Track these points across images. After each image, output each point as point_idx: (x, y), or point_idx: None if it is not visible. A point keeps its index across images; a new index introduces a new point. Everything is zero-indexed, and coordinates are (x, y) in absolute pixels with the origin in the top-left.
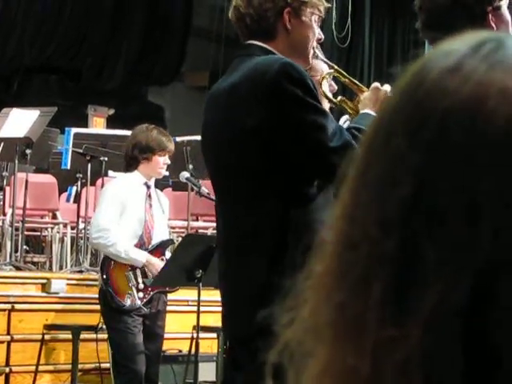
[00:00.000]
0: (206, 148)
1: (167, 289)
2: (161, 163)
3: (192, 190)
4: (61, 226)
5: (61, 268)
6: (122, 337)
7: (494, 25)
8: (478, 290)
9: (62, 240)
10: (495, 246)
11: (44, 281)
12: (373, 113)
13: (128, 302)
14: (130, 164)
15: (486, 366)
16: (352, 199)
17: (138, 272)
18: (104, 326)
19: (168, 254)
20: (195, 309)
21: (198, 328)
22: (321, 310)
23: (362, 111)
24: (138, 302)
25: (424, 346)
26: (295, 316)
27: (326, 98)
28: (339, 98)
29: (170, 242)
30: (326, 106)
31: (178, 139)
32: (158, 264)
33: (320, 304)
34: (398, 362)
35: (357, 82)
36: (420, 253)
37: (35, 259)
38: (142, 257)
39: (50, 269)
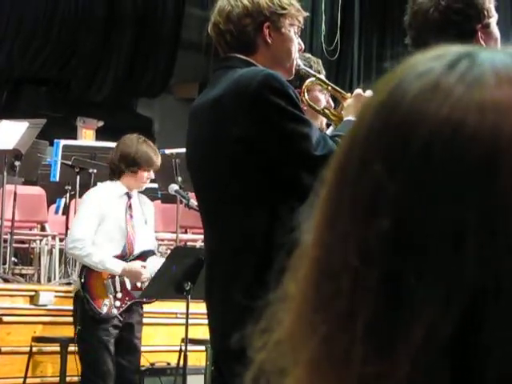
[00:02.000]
0: (191, 163)
1: (144, 299)
2: (145, 178)
3: (181, 202)
4: (49, 237)
5: (49, 280)
6: (94, 350)
7: (483, 42)
8: (465, 318)
9: (50, 252)
10: (480, 275)
11: (32, 293)
12: (354, 119)
13: (104, 310)
14: (113, 172)
15: None
16: (327, 226)
17: (117, 281)
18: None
19: (148, 264)
20: (184, 321)
21: (187, 340)
22: (301, 340)
23: (345, 118)
24: (115, 311)
25: (411, 381)
26: (268, 339)
27: (310, 106)
28: (322, 105)
29: (150, 252)
30: (322, 119)
31: (167, 151)
32: (136, 271)
33: (300, 333)
34: None
35: (339, 90)
36: (404, 285)
37: (23, 271)
38: (118, 267)
39: (39, 281)
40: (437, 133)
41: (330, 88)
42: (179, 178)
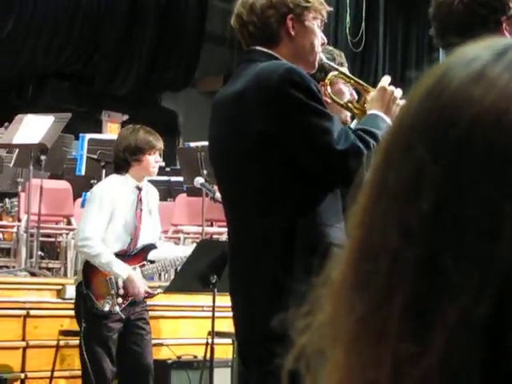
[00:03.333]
0: (213, 157)
1: (146, 295)
2: (152, 162)
3: (207, 195)
4: (75, 231)
5: (75, 274)
6: (95, 349)
7: (507, 34)
8: (499, 300)
9: (76, 246)
10: None
11: (59, 287)
12: (380, 113)
13: (106, 308)
14: (120, 167)
15: (506, 379)
16: (371, 207)
17: (120, 278)
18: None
19: (151, 257)
20: (210, 314)
21: (213, 333)
22: (340, 320)
23: (368, 112)
24: (117, 308)
25: (445, 361)
26: (311, 322)
27: (333, 100)
28: (345, 99)
29: (152, 246)
30: (347, 112)
31: (192, 144)
32: (138, 284)
33: (339, 313)
34: (419, 375)
35: (362, 83)
36: (442, 267)
37: (50, 265)
38: (124, 272)
39: (65, 275)
40: (480, 119)
41: (352, 81)
42: (204, 171)
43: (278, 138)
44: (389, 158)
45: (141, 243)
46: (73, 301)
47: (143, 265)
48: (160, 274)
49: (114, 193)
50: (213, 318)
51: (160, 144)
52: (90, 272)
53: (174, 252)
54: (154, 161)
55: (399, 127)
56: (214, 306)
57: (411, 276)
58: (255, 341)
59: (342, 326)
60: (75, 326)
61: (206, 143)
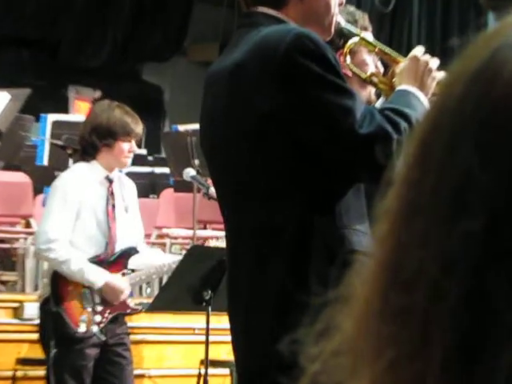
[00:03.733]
0: (205, 143)
1: (128, 311)
2: (125, 151)
3: (198, 190)
4: (35, 234)
5: (36, 289)
6: (66, 379)
7: None
8: None
9: (37, 254)
10: None
11: (16, 304)
12: (412, 89)
13: (83, 328)
14: (86, 152)
15: None
16: (402, 221)
17: (97, 289)
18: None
19: (132, 265)
20: (203, 339)
21: (207, 363)
22: (362, 355)
23: (397, 87)
24: (95, 328)
25: None
26: (325, 346)
27: (353, 72)
28: (369, 72)
29: (132, 250)
30: (371, 89)
31: (181, 128)
32: (118, 289)
33: (361, 346)
34: None
35: (390, 52)
36: (492, 305)
37: (4, 277)
38: (99, 279)
39: (23, 289)
40: None
41: (377, 49)
42: (196, 161)
43: (286, 120)
44: (425, 159)
45: (119, 247)
46: (33, 322)
47: (123, 273)
48: (141, 288)
49: (81, 184)
50: (206, 343)
51: (138, 129)
52: (59, 284)
53: (159, 259)
54: (128, 150)
55: (437, 121)
56: (207, 329)
57: (455, 315)
58: (260, 371)
59: (367, 367)
60: (36, 353)
61: (197, 126)
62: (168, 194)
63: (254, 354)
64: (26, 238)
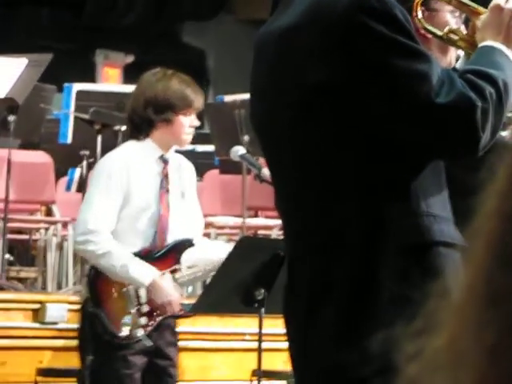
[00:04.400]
0: (255, 117)
1: (181, 313)
2: (186, 126)
3: (249, 172)
4: (59, 225)
5: (59, 287)
6: None
7: None
8: None
9: (60, 246)
10: None
11: (36, 306)
12: (496, 44)
13: (125, 332)
14: (139, 129)
15: None
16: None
17: (143, 288)
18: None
19: (186, 261)
20: (255, 345)
21: (260, 373)
22: (464, 346)
23: (480, 44)
24: (140, 332)
25: None
26: (423, 346)
27: (426, 30)
28: (446, 28)
29: (186, 243)
30: (452, 53)
31: (227, 98)
32: (165, 292)
33: (463, 335)
34: None
35: (469, 2)
36: None
37: (22, 274)
38: (145, 277)
39: (44, 288)
40: None
41: (453, 1)
42: (245, 138)
43: (346, 92)
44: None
45: (171, 238)
46: (58, 326)
47: (175, 270)
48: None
49: (129, 167)
50: (259, 350)
51: (200, 101)
52: (98, 281)
53: (220, 252)
54: (189, 124)
55: None
56: (260, 334)
57: None
58: (323, 380)
59: (467, 355)
60: (60, 362)
61: (246, 96)
62: (213, 176)
63: (316, 361)
64: (47, 229)
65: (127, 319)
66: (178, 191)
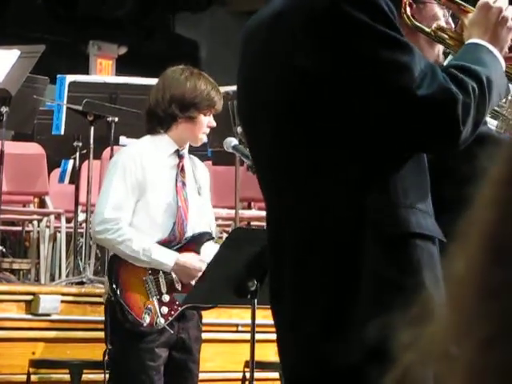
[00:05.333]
0: (242, 106)
1: (200, 305)
2: (205, 125)
3: (241, 163)
4: (52, 217)
5: (52, 279)
6: (131, 380)
7: None
8: None
9: (53, 238)
10: None
11: (29, 297)
12: (482, 42)
13: (147, 320)
14: (160, 122)
15: None
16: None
17: (162, 277)
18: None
19: (204, 255)
20: (248, 336)
21: (253, 364)
22: (458, 338)
23: (467, 41)
24: (161, 321)
25: None
26: (419, 335)
27: (414, 26)
28: (433, 25)
29: (206, 236)
30: (439, 48)
31: (221, 90)
32: (193, 266)
33: (457, 324)
34: None
35: (458, 0)
36: None
37: (15, 266)
38: (169, 259)
39: (37, 280)
40: None
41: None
42: (238, 129)
43: (330, 80)
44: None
45: (191, 231)
46: (51, 317)
47: None
48: None
49: (145, 159)
50: (252, 341)
51: (221, 102)
52: (118, 270)
53: None
54: (207, 124)
55: None
56: (253, 325)
57: None
58: (314, 376)
59: (459, 344)
60: (53, 354)
61: None
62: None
63: (304, 356)
64: (40, 220)
65: (149, 308)
66: (194, 187)
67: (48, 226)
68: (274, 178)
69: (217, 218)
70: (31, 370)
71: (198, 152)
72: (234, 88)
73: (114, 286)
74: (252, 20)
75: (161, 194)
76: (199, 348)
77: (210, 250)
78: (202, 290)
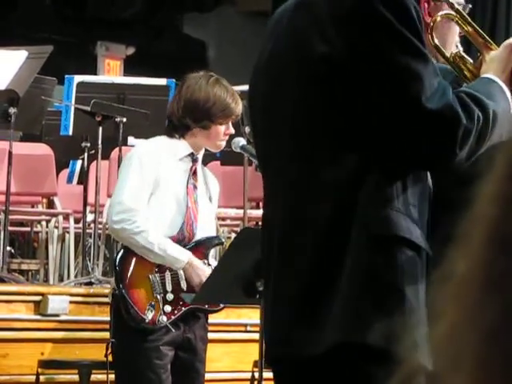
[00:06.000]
0: (254, 99)
1: (206, 306)
2: (222, 134)
3: (250, 163)
4: (60, 218)
5: (61, 279)
6: (139, 379)
7: None
8: None
9: (62, 238)
10: None
11: (38, 298)
12: (496, 79)
13: (149, 316)
14: (175, 129)
15: None
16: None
17: (168, 276)
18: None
19: (212, 259)
20: (257, 336)
21: (262, 364)
22: (463, 336)
23: (483, 74)
24: (164, 319)
25: None
26: (424, 333)
27: (435, 47)
28: (456, 50)
29: (215, 240)
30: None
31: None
32: (202, 269)
33: (462, 327)
34: None
35: (483, 34)
36: None
37: (24, 266)
38: (183, 255)
39: (46, 280)
40: None
41: (470, 30)
42: (247, 129)
43: (345, 69)
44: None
45: (200, 234)
46: (59, 318)
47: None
48: None
49: (160, 156)
50: (261, 341)
51: (239, 110)
52: (125, 265)
53: None
54: (224, 132)
55: None
56: (262, 325)
57: None
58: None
59: (467, 346)
60: (61, 354)
61: (247, 88)
62: (214, 167)
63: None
64: (48, 221)
65: (152, 305)
66: (206, 194)
67: (56, 227)
68: (273, 170)
69: (225, 218)
70: (40, 370)
71: (206, 152)
72: (242, 88)
73: (120, 280)
74: (277, 12)
75: (172, 192)
76: (205, 348)
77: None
78: (210, 289)
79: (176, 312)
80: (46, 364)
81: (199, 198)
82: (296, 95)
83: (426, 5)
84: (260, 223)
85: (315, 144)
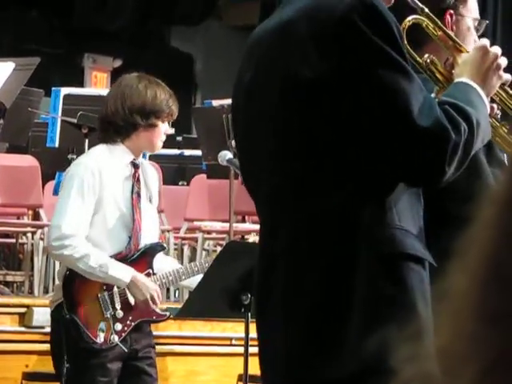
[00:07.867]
0: (237, 112)
1: (154, 317)
2: (163, 133)
3: (236, 177)
4: (46, 229)
5: (46, 291)
6: None
7: None
8: None
9: (47, 250)
10: None
11: (23, 310)
12: (473, 84)
13: (101, 339)
14: (118, 132)
15: None
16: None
17: (116, 293)
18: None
19: (157, 266)
20: (241, 350)
21: (246, 378)
22: (458, 355)
23: (456, 79)
24: (115, 338)
25: None
26: (419, 350)
27: (409, 54)
28: (426, 55)
29: (158, 247)
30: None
31: (215, 103)
32: (145, 284)
33: (458, 346)
34: None
35: (455, 38)
36: None
37: (9, 278)
38: (125, 274)
39: (31, 292)
40: None
41: (441, 34)
42: (233, 142)
43: (332, 92)
44: None
45: (143, 242)
46: (43, 330)
47: (148, 273)
48: (168, 290)
49: (102, 171)
50: (246, 355)
51: (177, 108)
52: (74, 287)
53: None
54: (164, 132)
55: None
56: (247, 339)
57: None
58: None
59: (462, 366)
60: (46, 366)
61: None
62: (200, 180)
63: (282, 369)
64: (34, 232)
65: (103, 325)
66: (146, 195)
67: (42, 239)
68: (271, 192)
69: (210, 231)
70: (24, 382)
71: (193, 165)
72: (229, 101)
73: (69, 301)
74: (260, 27)
75: (117, 206)
76: (154, 352)
77: (160, 262)
78: (195, 303)
79: (126, 329)
80: (31, 376)
81: (142, 204)
82: (280, 125)
83: (449, 18)
84: (245, 237)
85: (313, 167)
